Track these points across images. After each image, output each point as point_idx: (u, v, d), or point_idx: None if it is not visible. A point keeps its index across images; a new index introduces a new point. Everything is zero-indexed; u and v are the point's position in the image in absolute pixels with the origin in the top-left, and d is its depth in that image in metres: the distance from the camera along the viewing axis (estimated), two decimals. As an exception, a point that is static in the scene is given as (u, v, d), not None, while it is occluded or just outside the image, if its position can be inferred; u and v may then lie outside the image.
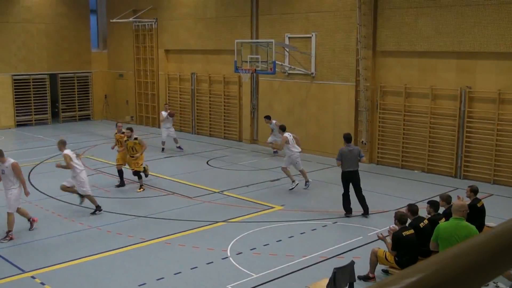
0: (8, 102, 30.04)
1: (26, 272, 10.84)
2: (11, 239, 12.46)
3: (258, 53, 21.87)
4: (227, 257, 11.38)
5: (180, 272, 10.66)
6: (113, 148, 18.16)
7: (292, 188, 16.31)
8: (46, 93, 31.45)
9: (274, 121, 21.35)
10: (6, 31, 29.72)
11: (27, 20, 30.36)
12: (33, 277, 10.60)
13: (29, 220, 13.05)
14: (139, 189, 16.66)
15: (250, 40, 23.13)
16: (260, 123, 23.95)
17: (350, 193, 13.85)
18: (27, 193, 12.88)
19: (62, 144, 14.16)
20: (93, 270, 10.91)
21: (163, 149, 22.61)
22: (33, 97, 30.99)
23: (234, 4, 24.55)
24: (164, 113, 22.56)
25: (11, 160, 12.64)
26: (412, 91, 19.20)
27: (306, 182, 16.58)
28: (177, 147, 22.72)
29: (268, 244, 12.06)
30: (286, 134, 16.55)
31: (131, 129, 17.02)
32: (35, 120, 31.11)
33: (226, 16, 25.02)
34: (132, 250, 11.94)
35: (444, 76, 18.33)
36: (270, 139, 21.38)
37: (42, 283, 10.31)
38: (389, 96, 19.89)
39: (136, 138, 16.84)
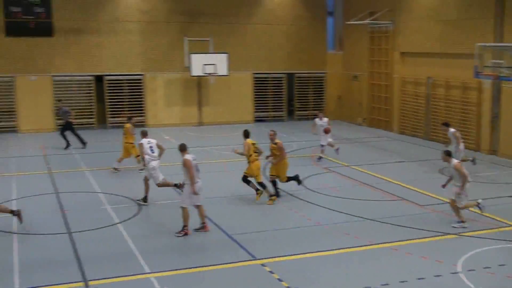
0: (248, 99, 32.22)
1: (257, 259, 11.42)
2: (186, 234, 12.84)
3: (502, 58, 20.35)
4: (457, 273, 10.74)
5: (406, 281, 10.32)
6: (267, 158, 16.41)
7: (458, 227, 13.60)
8: (283, 92, 33.07)
9: (452, 130, 19.16)
10: (251, 32, 31.85)
11: (270, 22, 32.16)
12: (263, 265, 11.12)
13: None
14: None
15: (494, 44, 21.62)
16: (502, 132, 22.28)
17: None
18: (193, 191, 12.68)
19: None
20: (319, 266, 11.09)
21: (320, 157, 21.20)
22: (271, 95, 32.87)
23: (477, 5, 23.13)
24: (318, 121, 21.76)
25: (184, 157, 12.78)
26: None
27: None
28: (335, 149, 21.39)
29: (504, 265, 11.11)
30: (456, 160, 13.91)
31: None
32: (272, 117, 32.92)
33: (467, 18, 23.68)
34: (358, 252, 11.90)
35: None
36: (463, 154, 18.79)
37: (271, 272, 10.76)
38: None
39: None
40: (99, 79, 30.04)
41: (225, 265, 11.15)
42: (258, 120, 32.49)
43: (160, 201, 15.50)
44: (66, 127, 23.75)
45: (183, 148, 13.00)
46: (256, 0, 31.89)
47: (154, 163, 15.26)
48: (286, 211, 14.87)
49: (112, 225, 13.65)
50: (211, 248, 12.25)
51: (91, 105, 30.10)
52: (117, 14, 29.71)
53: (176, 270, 10.89)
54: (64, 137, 23.57)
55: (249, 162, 15.43)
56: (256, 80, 32.39)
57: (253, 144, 15.48)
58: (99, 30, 29.46)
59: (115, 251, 11.98)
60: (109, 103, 30.22)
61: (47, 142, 24.52)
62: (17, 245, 12.19)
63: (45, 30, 28.60)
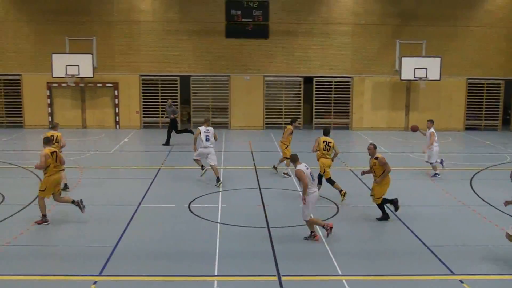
0: (460, 106, 30.93)
1: (455, 274, 10.79)
2: (329, 233, 12.63)
3: None
4: None
5: None
6: None
7: None
8: (499, 99, 31.01)
9: None
10: (467, 35, 30.34)
11: (488, 24, 30.27)
12: (461, 281, 10.48)
13: (323, 226, 12.71)
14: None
15: None
16: None
17: None
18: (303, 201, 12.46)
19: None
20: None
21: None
22: (486, 102, 31.03)
23: None
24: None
25: (297, 167, 12.42)
26: None
27: None
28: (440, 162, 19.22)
29: None
30: None
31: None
32: (484, 126, 31.10)
33: None
34: None
35: None
36: None
37: (469, 289, 10.13)
38: None
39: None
40: (307, 80, 30.78)
41: (419, 276, 10.72)
42: (469, 128, 30.88)
43: (356, 205, 15.39)
44: (172, 125, 24.93)
45: (295, 159, 12.69)
46: (474, 2, 30.25)
47: (203, 150, 17.41)
48: (492, 227, 13.84)
49: (309, 223, 13.87)
50: (406, 257, 11.84)
51: (298, 106, 30.97)
52: (330, 17, 30.19)
53: (367, 275, 10.72)
54: (180, 131, 25.11)
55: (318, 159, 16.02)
56: (470, 86, 30.78)
57: (326, 142, 16.00)
58: (311, 32, 30.20)
59: (310, 249, 12.13)
60: (317, 104, 30.83)
61: (254, 139, 25.70)
62: (219, 235, 12.95)
63: (261, 32, 30.06)
